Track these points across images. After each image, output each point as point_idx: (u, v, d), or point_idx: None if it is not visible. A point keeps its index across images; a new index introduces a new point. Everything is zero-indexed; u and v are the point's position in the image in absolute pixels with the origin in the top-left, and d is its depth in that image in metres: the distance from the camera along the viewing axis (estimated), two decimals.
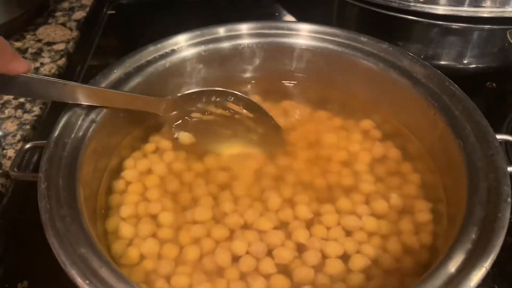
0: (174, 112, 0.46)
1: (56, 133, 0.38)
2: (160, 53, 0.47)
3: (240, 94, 0.47)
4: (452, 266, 0.30)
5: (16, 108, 0.57)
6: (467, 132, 0.39)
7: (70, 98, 0.40)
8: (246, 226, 0.41)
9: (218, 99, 0.47)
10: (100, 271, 0.30)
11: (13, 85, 0.36)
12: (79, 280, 0.29)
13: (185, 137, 0.48)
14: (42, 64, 0.64)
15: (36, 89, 0.38)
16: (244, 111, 0.47)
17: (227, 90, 0.47)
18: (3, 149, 0.52)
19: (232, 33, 0.49)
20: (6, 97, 0.58)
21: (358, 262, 0.38)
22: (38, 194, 0.34)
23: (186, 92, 0.46)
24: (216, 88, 0.47)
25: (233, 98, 0.47)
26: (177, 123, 0.47)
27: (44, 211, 0.33)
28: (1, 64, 0.34)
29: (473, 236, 0.32)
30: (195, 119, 0.48)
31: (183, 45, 0.48)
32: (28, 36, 0.69)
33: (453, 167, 0.39)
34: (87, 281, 0.29)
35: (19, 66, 0.36)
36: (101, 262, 0.30)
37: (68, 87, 0.39)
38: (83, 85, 0.41)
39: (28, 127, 0.54)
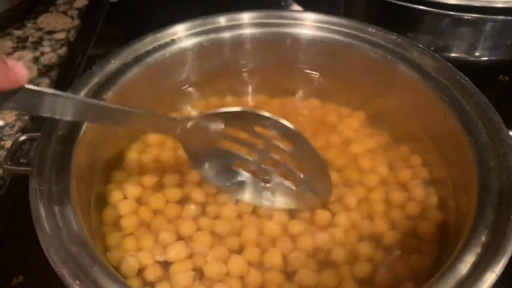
0: (192, 137, 0.38)
1: (50, 124, 0.37)
2: (160, 42, 0.45)
3: (274, 117, 0.36)
4: (460, 271, 0.29)
5: None
6: (479, 129, 0.37)
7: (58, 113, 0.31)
8: None
9: (244, 124, 0.38)
10: (91, 270, 0.29)
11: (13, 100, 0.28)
12: (68, 280, 0.28)
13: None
14: (42, 53, 0.63)
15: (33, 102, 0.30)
16: (277, 140, 0.38)
17: (254, 111, 0.37)
18: (1, 140, 0.51)
19: (234, 22, 0.47)
20: None
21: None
22: (29, 189, 0.33)
23: (206, 113, 0.37)
24: (241, 109, 0.37)
25: (264, 122, 0.37)
26: (196, 150, 0.39)
27: (35, 207, 0.32)
28: None
29: (483, 239, 0.30)
30: (215, 150, 0.40)
31: (183, 35, 0.46)
32: (28, 25, 0.68)
33: (464, 166, 0.37)
34: (77, 281, 0.28)
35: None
36: (93, 261, 0.29)
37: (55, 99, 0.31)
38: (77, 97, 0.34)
39: (26, 117, 0.54)
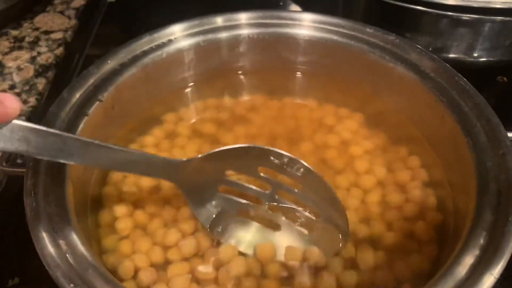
0: (192, 183, 0.35)
1: (45, 126, 0.37)
2: (157, 43, 0.45)
3: (285, 154, 0.33)
4: (459, 274, 0.29)
5: None
6: (477, 130, 0.37)
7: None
8: None
9: (249, 162, 0.34)
10: (86, 273, 0.29)
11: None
12: (63, 283, 0.28)
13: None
14: (39, 53, 0.62)
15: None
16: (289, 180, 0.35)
17: (263, 147, 0.33)
18: None
19: (231, 23, 0.47)
20: (0, 86, 0.56)
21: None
22: (24, 190, 0.33)
23: (207, 153, 0.34)
24: (248, 145, 0.34)
25: (274, 160, 0.33)
26: (198, 198, 0.37)
27: (29, 208, 0.32)
28: None
29: (481, 241, 0.30)
30: (218, 195, 0.37)
31: (180, 35, 0.46)
32: (25, 25, 0.68)
33: (462, 167, 0.37)
34: (71, 284, 0.28)
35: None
36: (88, 264, 0.29)
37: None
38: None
39: (23, 118, 0.53)
